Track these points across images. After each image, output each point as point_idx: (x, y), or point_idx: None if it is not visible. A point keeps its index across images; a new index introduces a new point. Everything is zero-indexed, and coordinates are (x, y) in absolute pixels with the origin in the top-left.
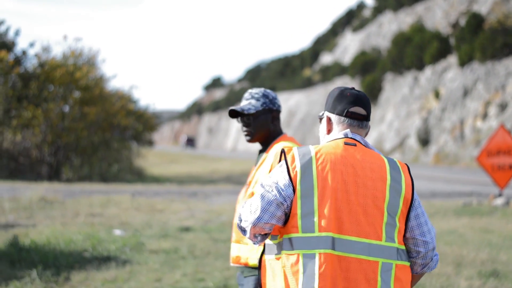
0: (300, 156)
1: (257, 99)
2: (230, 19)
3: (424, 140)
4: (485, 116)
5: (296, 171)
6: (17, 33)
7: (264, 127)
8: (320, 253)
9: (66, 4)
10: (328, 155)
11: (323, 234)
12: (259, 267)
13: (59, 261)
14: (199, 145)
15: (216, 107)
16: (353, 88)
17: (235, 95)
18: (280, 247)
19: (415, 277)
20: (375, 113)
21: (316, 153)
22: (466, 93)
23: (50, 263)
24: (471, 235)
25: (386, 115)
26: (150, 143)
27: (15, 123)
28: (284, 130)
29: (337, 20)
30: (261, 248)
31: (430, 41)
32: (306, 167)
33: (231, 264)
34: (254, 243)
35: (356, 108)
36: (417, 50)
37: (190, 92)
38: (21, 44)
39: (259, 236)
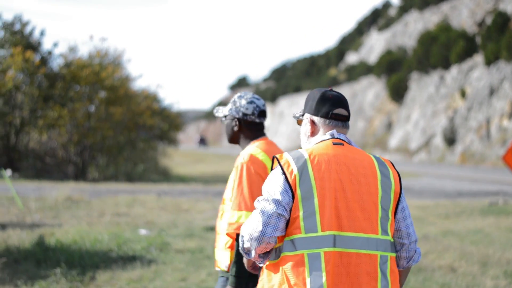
0: (295, 160)
1: (229, 104)
2: (256, 18)
3: (450, 140)
4: (511, 115)
5: (294, 175)
6: (42, 33)
7: (229, 132)
8: (324, 252)
9: (91, 3)
10: (321, 156)
11: (326, 233)
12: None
13: (85, 260)
14: (224, 145)
15: None
16: (332, 90)
17: (261, 95)
18: (279, 251)
19: (403, 273)
20: (400, 112)
21: (310, 155)
22: (492, 92)
23: (75, 263)
24: (497, 234)
25: (412, 114)
26: (176, 142)
27: (41, 123)
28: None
29: (362, 19)
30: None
31: (456, 40)
32: (303, 169)
33: (215, 268)
34: (260, 264)
35: (339, 110)
36: (443, 49)
37: (216, 91)
38: (46, 44)
39: (263, 255)
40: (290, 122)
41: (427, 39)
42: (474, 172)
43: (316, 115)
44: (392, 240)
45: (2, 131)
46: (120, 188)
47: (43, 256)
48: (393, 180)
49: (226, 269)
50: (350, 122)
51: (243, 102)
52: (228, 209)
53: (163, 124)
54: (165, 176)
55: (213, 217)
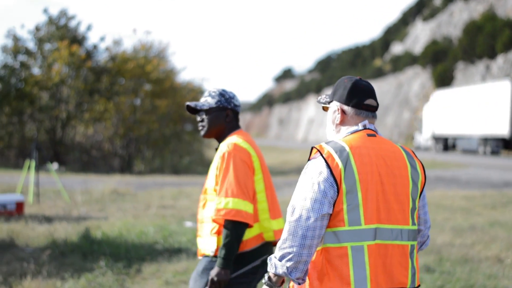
0: (338, 153)
1: (213, 97)
2: (301, 10)
3: None
4: None
5: (340, 169)
6: (88, 27)
7: (216, 124)
8: (368, 245)
9: None
10: (361, 148)
11: (369, 226)
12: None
13: (131, 253)
14: (269, 136)
15: (286, 98)
16: (361, 79)
17: (306, 86)
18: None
19: None
20: None
21: (350, 148)
22: None
23: (121, 255)
24: None
25: None
26: None
27: (87, 117)
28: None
29: (407, 9)
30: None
31: (502, 29)
32: (346, 162)
33: (198, 257)
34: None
35: (370, 101)
36: (488, 39)
37: (261, 83)
38: (92, 38)
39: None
40: None
41: (473, 29)
42: None
43: (347, 104)
44: (416, 229)
45: (48, 125)
46: (166, 181)
47: (89, 249)
48: (419, 171)
49: (212, 254)
50: (396, 113)
51: (231, 94)
52: (212, 198)
53: None
54: None
55: None
